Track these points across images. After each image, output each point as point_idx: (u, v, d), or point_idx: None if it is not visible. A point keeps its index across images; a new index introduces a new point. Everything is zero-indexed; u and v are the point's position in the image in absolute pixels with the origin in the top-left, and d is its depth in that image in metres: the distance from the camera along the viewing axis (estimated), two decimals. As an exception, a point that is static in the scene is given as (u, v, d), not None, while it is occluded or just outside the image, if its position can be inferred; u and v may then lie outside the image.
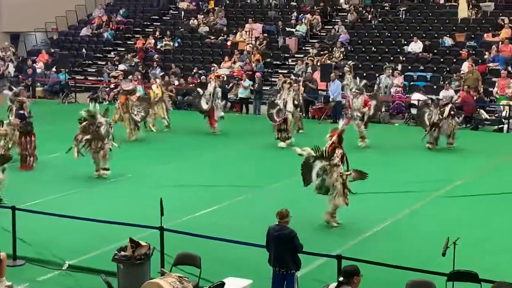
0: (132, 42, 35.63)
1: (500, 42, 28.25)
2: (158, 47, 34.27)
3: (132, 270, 9.81)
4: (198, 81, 29.48)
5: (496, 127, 24.45)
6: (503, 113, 24.72)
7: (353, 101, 21.03)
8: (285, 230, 9.28)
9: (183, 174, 17.44)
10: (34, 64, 32.57)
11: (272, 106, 21.02)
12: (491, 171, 18.30)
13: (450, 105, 20.67)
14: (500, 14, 30.56)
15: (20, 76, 32.23)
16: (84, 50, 35.46)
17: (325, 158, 13.23)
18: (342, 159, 13.38)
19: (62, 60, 33.93)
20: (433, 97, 23.00)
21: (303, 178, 13.47)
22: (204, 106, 22.92)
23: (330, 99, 25.55)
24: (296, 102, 21.35)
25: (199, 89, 23.52)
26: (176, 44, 34.42)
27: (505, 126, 24.21)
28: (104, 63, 33.68)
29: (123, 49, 35.31)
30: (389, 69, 27.34)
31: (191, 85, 29.50)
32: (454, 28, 30.82)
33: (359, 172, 13.52)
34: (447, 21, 31.63)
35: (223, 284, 8.95)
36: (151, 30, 36.41)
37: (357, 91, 21.11)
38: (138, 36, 35.60)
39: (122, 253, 9.94)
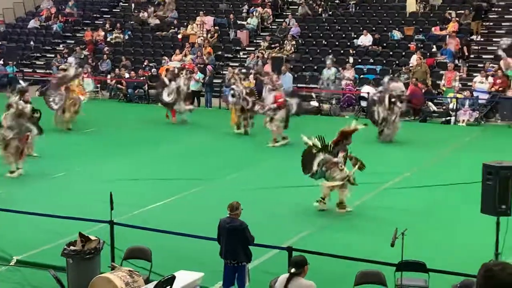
0: (82, 35, 35.21)
1: (448, 36, 28.69)
2: (108, 39, 33.93)
3: (81, 265, 9.72)
4: (149, 74, 29.34)
5: (443, 119, 24.86)
6: (450, 106, 25.13)
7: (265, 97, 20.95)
8: (236, 222, 9.31)
9: (133, 168, 17.34)
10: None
11: (233, 95, 21.53)
12: (438, 162, 18.58)
13: (387, 95, 20.91)
14: (448, 8, 31.02)
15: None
16: (32, 43, 34.92)
17: (329, 151, 13.46)
18: (344, 160, 13.72)
19: (9, 52, 33.37)
20: (379, 89, 23.02)
21: (304, 166, 13.87)
22: (166, 98, 23.10)
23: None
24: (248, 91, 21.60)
25: (165, 80, 23.39)
26: (127, 37, 34.12)
27: (452, 118, 24.62)
28: (53, 55, 33.23)
29: (73, 41, 34.88)
30: (328, 60, 27.47)
31: (142, 78, 29.31)
32: (403, 22, 31.17)
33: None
34: (396, 15, 31.97)
35: (174, 277, 8.94)
36: (101, 22, 36.02)
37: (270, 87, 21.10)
38: (86, 28, 35.16)
39: (72, 247, 9.84)
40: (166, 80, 23.42)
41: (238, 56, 31.73)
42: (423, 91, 25.27)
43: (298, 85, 27.02)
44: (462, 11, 30.24)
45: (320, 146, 13.73)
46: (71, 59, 31.55)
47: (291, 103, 20.74)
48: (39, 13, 37.56)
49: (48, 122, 20.21)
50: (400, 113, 20.97)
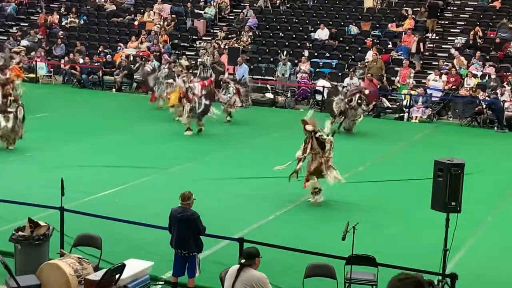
0: (36, 18, 34.63)
1: (403, 33, 28.98)
2: (63, 24, 33.45)
3: (30, 251, 9.59)
4: (104, 60, 29.04)
5: (397, 115, 25.12)
6: (404, 102, 25.40)
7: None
8: (187, 212, 9.27)
9: (85, 155, 17.14)
10: None
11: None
12: (391, 158, 18.78)
13: (358, 94, 21.13)
14: (404, 5, 31.33)
15: None
16: (-16, 24, 34.26)
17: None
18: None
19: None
20: (339, 84, 23.36)
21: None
22: (151, 83, 23.82)
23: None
24: None
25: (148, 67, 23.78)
26: (82, 22, 33.69)
27: (406, 115, 24.89)
28: (6, 38, 32.61)
29: (27, 24, 34.29)
30: (283, 54, 27.57)
31: (96, 64, 28.98)
32: (360, 17, 31.38)
33: None
34: (353, 10, 32.16)
35: (124, 265, 8.87)
36: (56, 6, 35.48)
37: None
38: (41, 11, 34.59)
39: (20, 233, 9.69)
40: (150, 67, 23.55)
41: (194, 45, 31.58)
42: (378, 87, 25.49)
43: (254, 76, 27.01)
44: (418, 9, 30.58)
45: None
46: (24, 42, 31.10)
47: (201, 101, 20.40)
48: (-8, -6, 36.84)
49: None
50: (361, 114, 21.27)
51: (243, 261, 7.62)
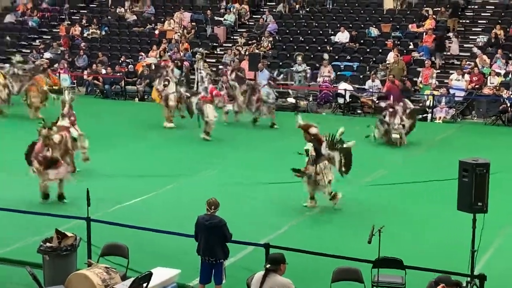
0: (58, 30, 34.93)
1: (424, 33, 28.84)
2: (85, 35, 33.71)
3: (58, 262, 9.66)
4: (126, 70, 29.21)
5: (420, 116, 24.94)
6: (427, 103, 25.26)
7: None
8: (214, 219, 9.30)
9: (110, 164, 17.22)
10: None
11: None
12: (415, 159, 18.68)
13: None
14: (424, 5, 31.19)
15: None
16: (8, 38, 34.55)
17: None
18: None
19: (-15, 47, 33.03)
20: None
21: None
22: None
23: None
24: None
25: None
26: (103, 33, 33.92)
27: (429, 115, 24.76)
28: (29, 51, 32.90)
29: (49, 37, 34.59)
30: (299, 56, 27.56)
31: (118, 74, 29.16)
32: (380, 18, 31.28)
33: None
34: (373, 11, 32.06)
35: (151, 274, 8.92)
36: (78, 18, 35.75)
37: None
38: (63, 23, 34.89)
39: (48, 244, 9.77)
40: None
41: (215, 52, 31.66)
42: (400, 88, 25.36)
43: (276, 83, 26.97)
44: (439, 8, 30.42)
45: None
46: (47, 54, 31.37)
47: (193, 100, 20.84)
48: (15, 8, 37.22)
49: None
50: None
51: (268, 266, 7.64)
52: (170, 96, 21.85)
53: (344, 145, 13.96)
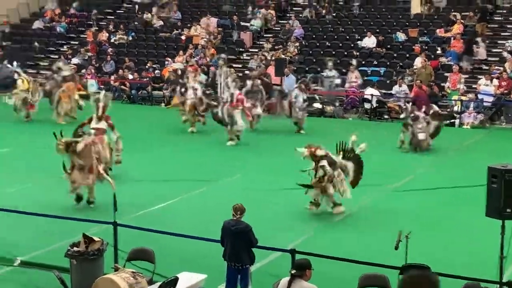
0: (86, 36, 35.20)
1: (452, 38, 28.64)
2: (112, 40, 33.94)
3: (85, 266, 9.72)
4: (152, 75, 29.36)
5: (448, 121, 24.77)
6: (455, 108, 25.08)
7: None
8: (241, 224, 9.29)
9: (136, 169, 17.28)
10: (-16, 58, 31.99)
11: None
12: (443, 165, 18.54)
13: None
14: (452, 10, 30.97)
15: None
16: (36, 44, 34.90)
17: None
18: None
19: (14, 53, 33.35)
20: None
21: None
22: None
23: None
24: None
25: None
26: (130, 38, 34.13)
27: (457, 121, 24.57)
28: (57, 56, 33.20)
29: (77, 42, 34.88)
30: (329, 62, 27.50)
31: (145, 79, 29.32)
32: (407, 23, 31.14)
33: None
34: (400, 16, 31.94)
35: (177, 279, 8.93)
36: (105, 23, 36.02)
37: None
38: (92, 29, 35.16)
39: (75, 248, 9.84)
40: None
41: (241, 57, 31.71)
42: (427, 93, 25.19)
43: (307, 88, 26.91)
44: (467, 13, 30.19)
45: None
46: (75, 60, 31.63)
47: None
48: (43, 14, 37.59)
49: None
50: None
51: (293, 272, 7.62)
52: (186, 101, 21.97)
53: (357, 150, 13.87)
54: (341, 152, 13.87)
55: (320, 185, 13.55)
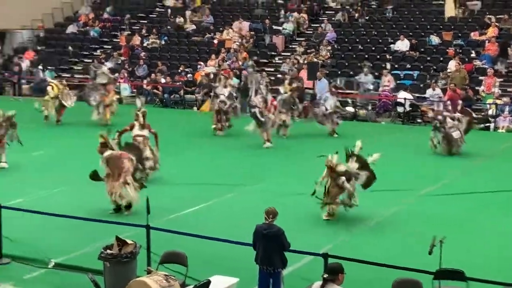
0: (119, 40, 35.50)
1: (487, 41, 28.37)
2: (145, 45, 34.17)
3: (118, 269, 9.76)
4: (185, 79, 29.49)
5: (482, 125, 24.55)
6: (490, 112, 24.83)
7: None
8: (273, 228, 9.27)
9: (169, 173, 17.34)
10: (20, 62, 32.39)
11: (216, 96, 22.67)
12: (477, 169, 18.36)
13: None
14: (487, 13, 30.69)
15: (6, 74, 32.04)
16: (70, 48, 35.28)
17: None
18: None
19: (48, 57, 33.77)
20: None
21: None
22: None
23: (317, 98, 25.49)
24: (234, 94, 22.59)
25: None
26: (163, 42, 34.33)
27: (492, 125, 24.32)
28: (90, 60, 33.53)
29: (110, 46, 35.19)
30: (366, 67, 27.42)
31: (177, 83, 29.46)
32: (441, 26, 30.92)
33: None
34: (434, 19, 31.72)
35: (209, 282, 8.93)
36: (138, 28, 36.28)
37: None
38: (125, 34, 35.44)
39: (108, 251, 9.89)
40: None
41: (273, 61, 31.73)
42: (462, 97, 24.98)
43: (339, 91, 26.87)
44: (502, 16, 29.89)
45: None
46: (108, 64, 31.89)
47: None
48: (77, 19, 37.97)
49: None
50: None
51: (325, 276, 7.58)
52: (216, 105, 22.30)
53: (369, 159, 13.74)
54: (353, 159, 13.67)
55: (336, 201, 13.51)
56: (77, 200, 14.66)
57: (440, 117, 19.70)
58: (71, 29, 37.03)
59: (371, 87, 27.09)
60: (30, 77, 32.71)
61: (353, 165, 13.57)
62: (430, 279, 9.14)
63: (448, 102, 21.26)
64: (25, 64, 32.91)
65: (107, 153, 13.85)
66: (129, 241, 10.01)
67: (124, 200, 13.92)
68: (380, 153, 14.08)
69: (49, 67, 32.18)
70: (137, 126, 16.46)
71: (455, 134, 19.42)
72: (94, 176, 14.07)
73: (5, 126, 17.63)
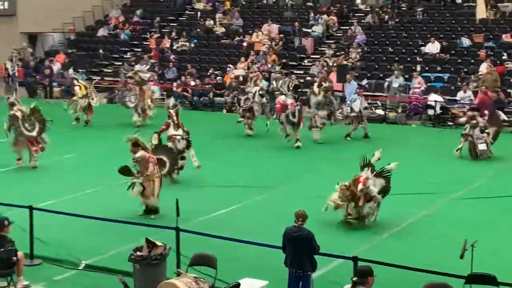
0: (149, 43, 35.68)
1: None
2: (175, 47, 34.31)
3: (148, 270, 9.82)
4: (214, 81, 29.56)
5: (515, 128, 24.28)
6: (522, 114, 24.56)
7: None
8: (303, 231, 9.26)
9: (198, 175, 17.38)
10: (51, 65, 32.69)
11: (242, 93, 22.92)
12: (508, 172, 18.17)
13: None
14: (519, 15, 30.42)
15: (37, 77, 32.36)
16: (101, 51, 35.54)
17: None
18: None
19: (79, 60, 34.04)
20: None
21: None
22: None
23: (346, 100, 25.40)
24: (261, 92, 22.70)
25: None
26: (192, 45, 34.44)
27: (524, 127, 24.05)
28: (120, 63, 33.75)
29: (140, 49, 35.38)
30: (397, 70, 27.26)
31: (207, 86, 29.54)
32: (472, 28, 30.63)
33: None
34: (465, 21, 31.44)
35: (238, 285, 8.94)
36: (168, 30, 36.45)
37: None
38: (155, 36, 35.61)
39: (138, 253, 9.95)
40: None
41: (303, 64, 31.67)
42: (493, 99, 24.74)
43: (363, 93, 26.74)
44: (534, 18, 29.60)
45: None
46: (138, 67, 32.06)
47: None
48: (107, 22, 38.25)
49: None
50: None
51: (354, 279, 7.55)
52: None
53: (386, 167, 13.63)
54: (369, 169, 13.57)
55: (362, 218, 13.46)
56: (107, 202, 14.76)
57: (476, 120, 19.50)
58: (102, 32, 37.30)
59: (400, 88, 26.91)
60: (61, 79, 33.00)
61: (369, 174, 13.47)
62: (461, 284, 9.06)
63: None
64: (56, 67, 33.19)
65: (139, 153, 13.93)
66: (158, 243, 10.07)
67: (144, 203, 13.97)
68: (397, 162, 13.92)
69: (79, 70, 32.42)
70: (172, 125, 16.69)
71: (481, 146, 19.26)
72: (125, 171, 14.08)
73: (37, 121, 17.91)
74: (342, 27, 33.65)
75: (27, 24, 37.31)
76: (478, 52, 28.45)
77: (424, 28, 31.55)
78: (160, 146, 15.89)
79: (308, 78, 28.79)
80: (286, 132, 20.78)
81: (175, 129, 16.69)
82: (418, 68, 27.98)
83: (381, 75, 28.58)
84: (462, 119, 20.52)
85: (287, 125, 20.65)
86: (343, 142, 21.70)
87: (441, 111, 25.42)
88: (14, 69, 31.08)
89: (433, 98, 25.56)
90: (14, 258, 10.19)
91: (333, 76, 27.43)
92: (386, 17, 32.80)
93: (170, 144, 16.52)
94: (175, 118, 16.80)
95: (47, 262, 11.50)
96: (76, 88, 24.54)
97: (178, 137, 16.65)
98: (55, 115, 23.20)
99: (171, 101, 18.26)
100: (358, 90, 23.18)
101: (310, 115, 21.65)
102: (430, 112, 25.56)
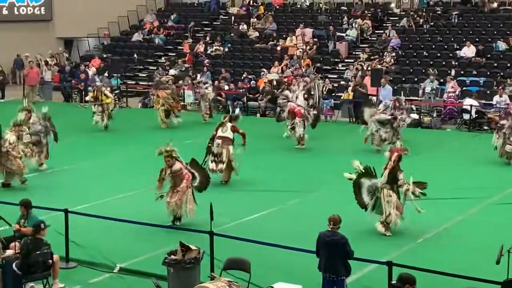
0: (183, 47, 35.88)
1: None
2: (209, 52, 34.44)
3: (182, 274, 9.86)
4: (248, 86, 29.60)
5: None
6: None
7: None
8: (337, 236, 9.24)
9: (232, 178, 17.39)
10: (86, 69, 33.02)
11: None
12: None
13: None
14: (557, 18, 30.01)
15: (73, 81, 32.70)
16: (135, 55, 35.82)
17: (372, 175, 13.22)
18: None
19: (114, 65, 34.32)
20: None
21: (357, 201, 13.44)
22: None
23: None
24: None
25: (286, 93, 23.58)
26: (226, 49, 34.55)
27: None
28: (155, 68, 33.98)
29: (174, 54, 35.59)
30: (432, 74, 27.04)
31: (241, 90, 29.59)
32: (508, 32, 30.29)
33: (418, 183, 13.40)
34: (501, 25, 31.12)
35: (272, 289, 8.94)
36: (202, 35, 36.62)
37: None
38: (189, 41, 35.81)
39: (172, 256, 10.00)
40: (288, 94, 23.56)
41: (337, 68, 31.60)
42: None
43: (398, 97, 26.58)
44: None
45: (360, 172, 13.39)
46: (172, 71, 32.24)
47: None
48: (142, 27, 38.54)
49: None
50: None
51: (393, 282, 7.52)
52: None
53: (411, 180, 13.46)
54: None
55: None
56: (142, 205, 14.81)
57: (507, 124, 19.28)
58: (136, 37, 37.59)
59: (433, 92, 26.69)
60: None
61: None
62: (497, 290, 8.97)
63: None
64: (91, 71, 33.49)
65: (176, 167, 13.73)
66: (192, 247, 10.10)
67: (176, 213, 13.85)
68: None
69: (114, 74, 32.68)
70: (221, 128, 17.10)
71: (508, 148, 19.03)
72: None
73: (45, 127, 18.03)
74: (376, 31, 33.53)
75: (63, 29, 37.81)
76: (515, 56, 28.16)
77: (459, 32, 31.28)
78: (196, 162, 15.34)
79: (342, 82, 28.71)
80: (295, 137, 21.03)
81: (222, 132, 17.07)
82: (453, 72, 27.74)
83: (415, 79, 28.39)
84: (503, 122, 20.17)
85: (300, 128, 20.88)
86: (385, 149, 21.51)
87: (476, 116, 25.17)
88: (44, 73, 31.85)
89: (468, 102, 25.31)
90: (50, 261, 10.30)
91: (367, 80, 27.34)
92: (421, 20, 32.59)
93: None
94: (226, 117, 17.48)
95: (82, 265, 11.61)
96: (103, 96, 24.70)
97: (219, 140, 16.75)
98: (90, 120, 23.52)
99: (237, 110, 18.37)
100: (396, 105, 22.34)
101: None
102: (466, 116, 25.33)
